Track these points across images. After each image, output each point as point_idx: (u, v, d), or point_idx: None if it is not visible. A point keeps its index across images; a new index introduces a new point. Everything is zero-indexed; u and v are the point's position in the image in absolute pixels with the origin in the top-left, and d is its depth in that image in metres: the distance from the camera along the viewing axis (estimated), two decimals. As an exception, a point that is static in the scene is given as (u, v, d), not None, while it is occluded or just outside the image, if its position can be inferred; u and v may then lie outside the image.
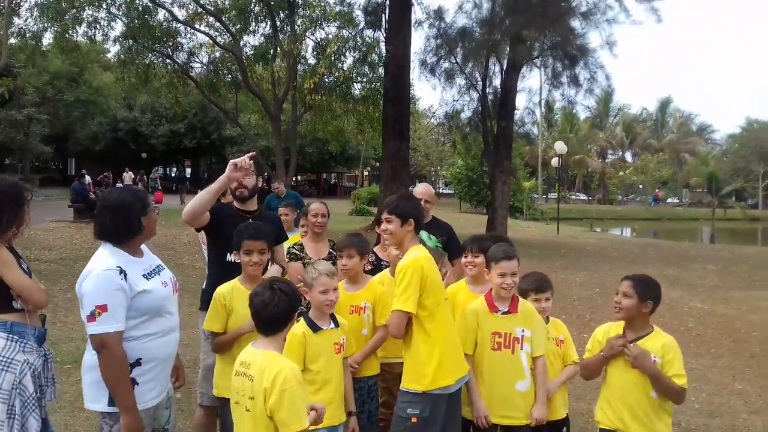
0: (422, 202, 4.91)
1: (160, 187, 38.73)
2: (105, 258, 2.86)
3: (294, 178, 32.64)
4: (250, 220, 3.85)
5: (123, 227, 2.89)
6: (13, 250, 3.04)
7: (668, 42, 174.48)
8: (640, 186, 70.27)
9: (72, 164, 47.09)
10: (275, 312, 2.63)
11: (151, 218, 2.98)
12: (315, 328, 3.18)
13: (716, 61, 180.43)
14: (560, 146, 29.14)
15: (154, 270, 3.00)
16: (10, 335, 2.92)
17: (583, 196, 72.31)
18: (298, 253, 4.57)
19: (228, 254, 3.88)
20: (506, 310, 3.35)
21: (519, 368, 3.32)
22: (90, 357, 2.86)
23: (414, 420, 3.00)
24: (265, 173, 22.32)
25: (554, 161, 35.33)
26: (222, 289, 3.49)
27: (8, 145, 35.13)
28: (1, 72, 15.11)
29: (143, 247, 3.07)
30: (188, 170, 52.69)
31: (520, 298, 3.45)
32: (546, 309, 3.62)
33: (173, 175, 52.35)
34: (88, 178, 26.49)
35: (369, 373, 3.70)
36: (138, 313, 2.83)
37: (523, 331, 3.34)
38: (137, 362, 2.83)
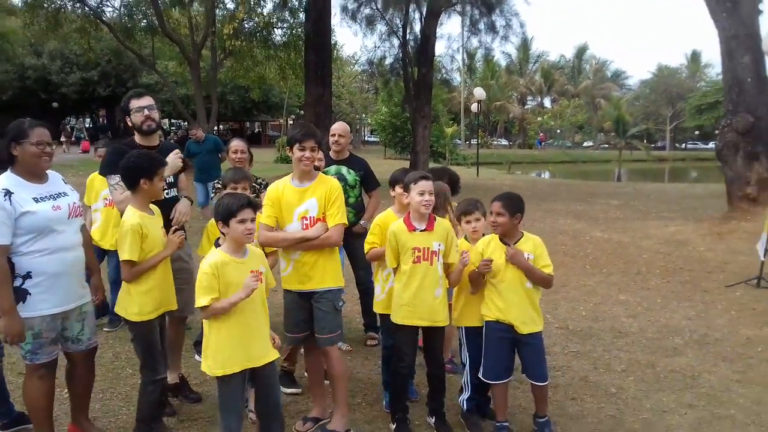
0: (337, 137, 5.44)
1: (86, 137, 37.25)
2: None
3: (216, 127, 32.19)
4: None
5: (6, 154, 3.28)
6: None
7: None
8: (558, 131, 72.88)
9: (-23, 115, 44.48)
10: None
11: (27, 151, 3.24)
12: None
13: (631, 9, 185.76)
14: (479, 92, 29.92)
15: (50, 195, 3.34)
16: None
17: (504, 142, 74.30)
18: (222, 188, 4.93)
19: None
20: (423, 228, 3.85)
21: (436, 277, 3.85)
22: None
23: None
24: (186, 121, 22.05)
25: (474, 107, 36.19)
26: (131, 220, 3.54)
27: None
28: None
29: (54, 175, 3.46)
30: (102, 120, 50.74)
31: (437, 217, 3.95)
32: (477, 228, 4.03)
33: (88, 125, 50.37)
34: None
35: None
36: (24, 231, 3.20)
37: (439, 245, 3.86)
38: (27, 275, 3.23)
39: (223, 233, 3.26)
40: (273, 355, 3.34)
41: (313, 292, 3.82)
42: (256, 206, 3.33)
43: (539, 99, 78.55)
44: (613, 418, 4.18)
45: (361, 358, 5.17)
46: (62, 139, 35.11)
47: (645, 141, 63.32)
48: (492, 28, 19.34)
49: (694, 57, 73.43)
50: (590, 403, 4.41)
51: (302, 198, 3.79)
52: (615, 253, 9.90)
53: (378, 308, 4.23)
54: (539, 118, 68.45)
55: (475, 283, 3.92)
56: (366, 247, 4.20)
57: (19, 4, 24.11)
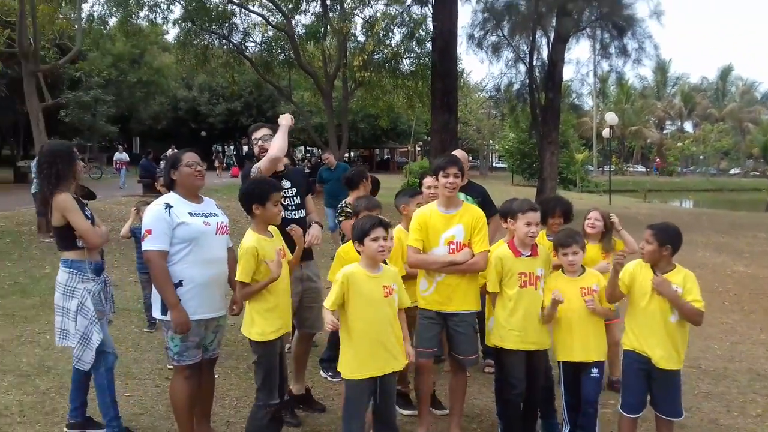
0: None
1: (235, 163, 40.19)
2: (160, 198, 3.83)
3: (347, 154, 33.37)
4: (282, 177, 4.47)
5: (168, 179, 3.87)
6: (78, 200, 4.00)
7: (729, 9, 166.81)
8: (701, 157, 68.44)
9: (136, 143, 49.10)
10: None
11: (182, 173, 3.77)
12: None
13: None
14: (611, 117, 28.86)
15: (203, 213, 3.80)
16: (71, 269, 3.92)
17: (641, 168, 70.87)
18: (349, 211, 5.19)
19: None
20: (528, 254, 3.96)
21: (539, 301, 3.94)
22: None
23: None
24: (319, 148, 23.05)
25: (605, 132, 34.95)
26: (248, 243, 3.74)
27: (76, 126, 37.01)
28: (75, 57, 16.16)
29: (208, 200, 3.96)
30: (245, 147, 54.08)
31: (538, 243, 4.04)
32: (574, 262, 3.96)
33: (233, 152, 53.89)
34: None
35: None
36: (178, 240, 3.65)
37: (541, 270, 3.97)
38: (179, 282, 3.66)
39: (358, 251, 3.55)
40: (397, 365, 3.54)
41: (453, 314, 4.03)
42: (387, 225, 3.58)
43: (679, 123, 74.34)
44: (745, 465, 3.91)
45: (479, 384, 5.18)
46: (215, 165, 37.93)
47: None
48: (623, 52, 18.63)
49: None
50: (720, 447, 4.15)
51: (449, 223, 4.03)
52: (759, 290, 9.18)
53: (421, 303, 4.13)
54: (679, 144, 64.61)
55: (612, 296, 3.87)
56: (488, 285, 4.16)
57: (172, 42, 26.50)
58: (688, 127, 74.35)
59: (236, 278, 3.72)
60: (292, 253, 4.09)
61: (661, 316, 3.65)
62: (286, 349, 4.15)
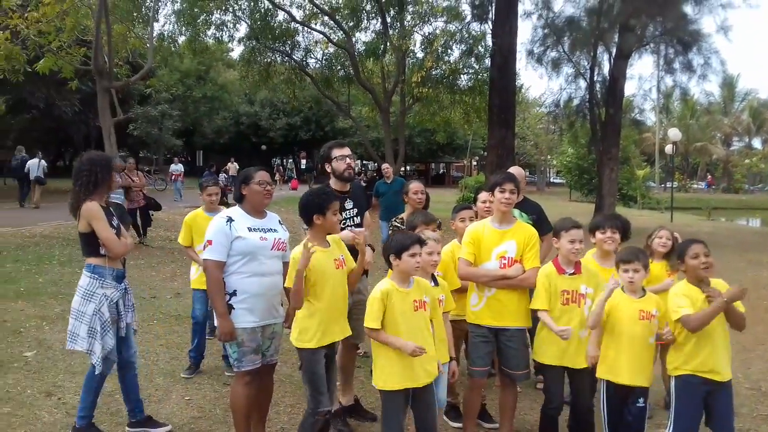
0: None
1: (295, 176, 41.30)
2: (225, 211, 4.03)
3: (403, 168, 33.60)
4: (347, 198, 4.64)
5: (237, 194, 4.02)
6: (107, 210, 4.24)
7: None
8: (770, 174, 65.84)
9: (200, 156, 50.66)
10: None
11: (252, 189, 3.95)
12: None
13: None
14: (674, 133, 28.13)
15: (262, 229, 3.97)
16: (93, 274, 4.13)
17: (704, 185, 68.60)
18: (399, 225, 5.36)
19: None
20: (572, 271, 4.01)
21: (582, 319, 3.95)
22: None
23: None
24: (375, 162, 23.34)
25: (668, 148, 34.09)
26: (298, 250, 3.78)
27: (144, 139, 38.56)
28: (147, 74, 16.92)
29: (272, 215, 4.13)
30: (303, 161, 55.11)
31: (581, 261, 4.09)
32: (634, 280, 3.78)
33: (293, 165, 55.01)
34: (235, 165, 28.30)
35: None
36: (235, 252, 3.83)
37: (586, 288, 3.98)
38: (234, 293, 3.84)
39: (394, 264, 3.63)
40: (430, 377, 3.63)
41: (505, 329, 4.11)
42: (423, 243, 3.72)
43: (747, 140, 71.66)
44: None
45: (530, 400, 5.22)
46: (276, 177, 38.93)
47: None
48: (688, 67, 18.26)
49: None
50: (777, 471, 4.09)
51: (502, 239, 4.14)
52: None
53: (471, 317, 4.23)
54: (747, 161, 62.28)
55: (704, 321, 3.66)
56: (534, 303, 4.15)
57: (237, 59, 27.38)
58: (757, 143, 71.53)
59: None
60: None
61: (722, 327, 3.66)
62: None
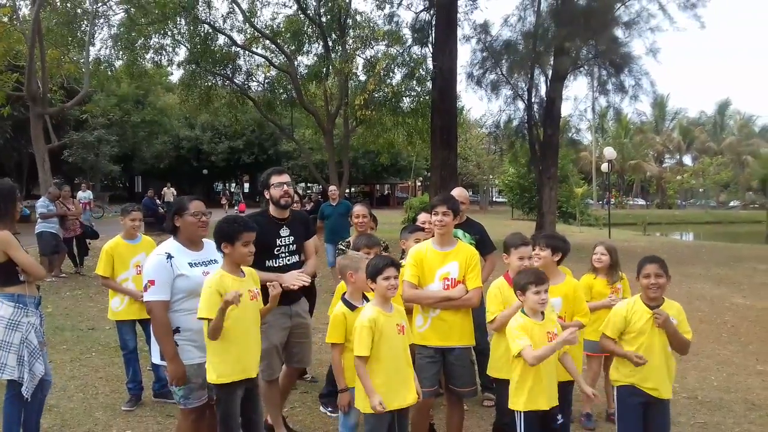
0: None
1: (242, 200, 40.90)
2: (161, 246, 3.88)
3: (348, 190, 33.64)
4: (284, 225, 4.53)
5: (171, 225, 3.90)
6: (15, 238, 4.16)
7: (726, 45, 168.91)
8: (701, 190, 68.75)
9: (138, 182, 49.55)
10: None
11: (186, 221, 3.83)
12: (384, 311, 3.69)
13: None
14: (609, 152, 29.15)
15: (202, 262, 3.87)
16: (17, 304, 4.07)
17: (641, 201, 71.18)
18: (345, 249, 5.35)
19: (267, 260, 4.38)
20: None
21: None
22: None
23: None
24: (320, 185, 23.27)
25: (604, 167, 35.26)
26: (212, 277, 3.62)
27: (80, 165, 37.43)
28: (82, 99, 16.51)
29: (209, 244, 3.97)
30: (246, 185, 54.55)
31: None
32: (545, 300, 3.70)
33: (232, 189, 54.34)
34: (172, 191, 27.86)
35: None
36: (178, 290, 3.72)
37: None
38: (177, 329, 3.73)
39: (372, 289, 3.67)
40: (412, 399, 3.67)
41: (452, 349, 4.15)
42: (398, 266, 3.74)
43: (678, 157, 74.88)
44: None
45: (477, 418, 5.26)
46: (223, 202, 38.39)
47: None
48: (621, 88, 18.99)
49: None
50: (715, 477, 4.23)
51: (444, 260, 4.19)
52: (757, 321, 9.27)
53: (417, 339, 4.15)
54: (678, 177, 65.03)
55: (609, 351, 3.95)
56: (489, 316, 4.15)
57: (176, 83, 27.00)
58: (687, 160, 74.84)
59: (197, 315, 3.53)
60: (287, 297, 4.10)
61: (662, 348, 3.78)
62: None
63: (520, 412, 3.67)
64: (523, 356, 3.56)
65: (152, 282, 3.69)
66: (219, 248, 3.67)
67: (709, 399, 5.78)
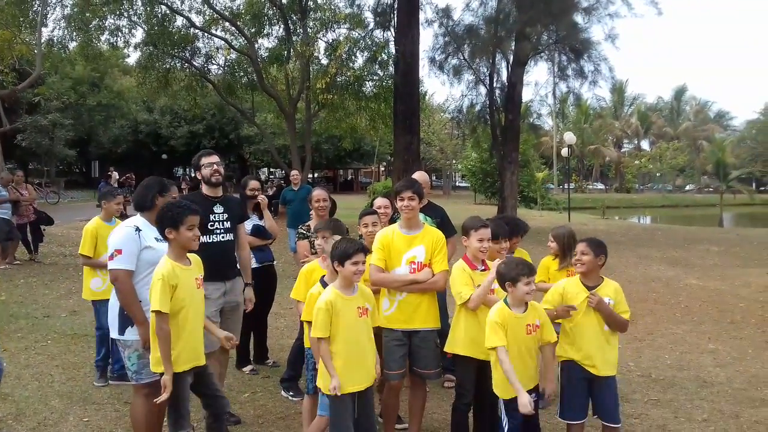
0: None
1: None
2: (129, 220, 3.95)
3: (311, 175, 33.47)
4: (217, 203, 4.63)
5: (150, 203, 3.93)
6: None
7: (683, 31, 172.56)
8: (658, 174, 70.36)
9: (95, 167, 48.39)
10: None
11: (166, 200, 3.87)
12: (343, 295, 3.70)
13: (733, 48, 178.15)
14: (569, 137, 29.60)
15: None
16: None
17: (600, 186, 72.53)
18: (305, 233, 5.33)
19: (202, 236, 4.20)
20: (483, 268, 4.12)
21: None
22: (113, 298, 3.85)
23: None
24: (282, 170, 23.09)
25: (564, 151, 35.80)
26: (162, 269, 3.51)
27: (34, 150, 36.42)
28: (35, 81, 16.01)
29: None
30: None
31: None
32: (531, 291, 3.71)
33: (192, 174, 53.52)
34: (116, 175, 27.39)
35: None
36: (143, 262, 3.76)
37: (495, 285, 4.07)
38: (140, 302, 3.71)
39: (336, 271, 3.65)
40: (371, 381, 3.71)
41: (417, 332, 4.18)
42: (366, 251, 3.74)
43: (636, 142, 76.41)
44: (689, 467, 4.11)
45: (438, 399, 5.31)
46: (183, 186, 37.79)
47: (753, 184, 60.08)
48: (580, 74, 19.29)
49: (806, 94, 69.32)
50: (667, 451, 4.35)
51: (410, 244, 4.21)
52: (709, 301, 9.54)
53: (383, 322, 4.16)
54: (636, 162, 66.41)
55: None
56: (461, 298, 4.07)
57: (133, 66, 26.40)
58: (645, 145, 76.43)
59: (151, 308, 3.42)
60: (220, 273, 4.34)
61: (599, 327, 3.86)
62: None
63: (503, 399, 3.72)
64: (496, 353, 3.63)
65: (119, 251, 3.73)
66: (163, 235, 3.58)
67: (663, 377, 5.94)
